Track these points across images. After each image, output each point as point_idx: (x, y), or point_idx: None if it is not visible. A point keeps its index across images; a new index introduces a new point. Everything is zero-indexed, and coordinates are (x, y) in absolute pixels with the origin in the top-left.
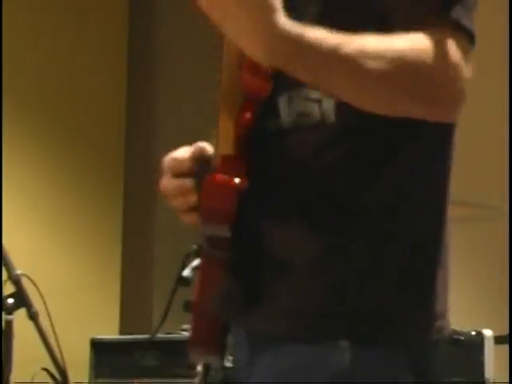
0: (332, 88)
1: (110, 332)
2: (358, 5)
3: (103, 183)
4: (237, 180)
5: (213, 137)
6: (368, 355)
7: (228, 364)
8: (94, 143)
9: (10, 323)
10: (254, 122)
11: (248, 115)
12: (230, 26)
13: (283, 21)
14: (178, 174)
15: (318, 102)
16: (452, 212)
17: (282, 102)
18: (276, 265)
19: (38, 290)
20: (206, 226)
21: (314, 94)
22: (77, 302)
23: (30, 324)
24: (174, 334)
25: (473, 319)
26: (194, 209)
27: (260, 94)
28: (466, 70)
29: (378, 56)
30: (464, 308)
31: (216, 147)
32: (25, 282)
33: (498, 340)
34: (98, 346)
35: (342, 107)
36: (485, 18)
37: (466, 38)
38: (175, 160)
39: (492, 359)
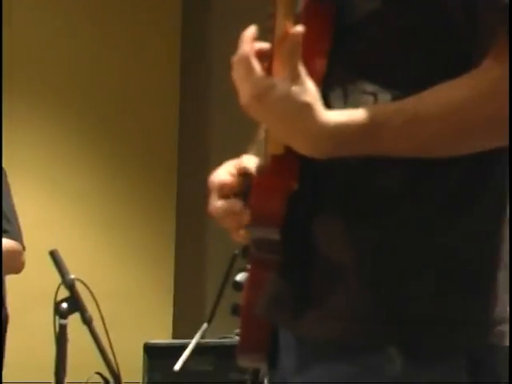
0: (393, 156)
1: (164, 336)
2: (418, 2)
3: (157, 189)
4: (286, 182)
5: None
6: (420, 362)
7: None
8: (147, 149)
9: (64, 327)
10: None
11: None
12: (275, 129)
13: (320, 119)
14: (226, 195)
15: (374, 95)
16: None
17: (336, 96)
18: (327, 267)
19: (91, 294)
20: (254, 228)
21: (370, 88)
22: (130, 306)
23: (84, 328)
24: (228, 338)
25: None
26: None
27: None
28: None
29: (434, 120)
30: None
31: (266, 147)
32: (79, 287)
33: None
34: (151, 351)
35: (397, 100)
36: None
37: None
38: (221, 181)
39: None
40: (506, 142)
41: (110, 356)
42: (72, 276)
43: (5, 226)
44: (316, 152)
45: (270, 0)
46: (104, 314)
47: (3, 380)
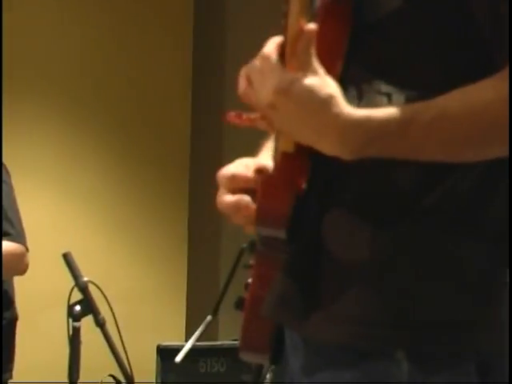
0: (419, 158)
1: (177, 339)
2: (442, 1)
3: (169, 189)
4: (293, 181)
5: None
6: (429, 368)
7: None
8: (160, 149)
9: (77, 330)
10: None
11: None
12: (302, 134)
13: (346, 110)
14: (235, 190)
15: (388, 95)
16: None
17: (351, 96)
18: (336, 269)
19: (104, 297)
20: (260, 227)
21: (385, 88)
22: (143, 309)
23: (97, 331)
24: None
25: None
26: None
27: None
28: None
29: (460, 120)
30: None
31: (276, 144)
32: (92, 289)
33: None
34: (164, 353)
35: (411, 101)
36: None
37: None
38: (231, 175)
39: None
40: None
41: (123, 358)
42: (85, 278)
43: (7, 228)
44: (345, 146)
45: (282, 0)
46: (117, 316)
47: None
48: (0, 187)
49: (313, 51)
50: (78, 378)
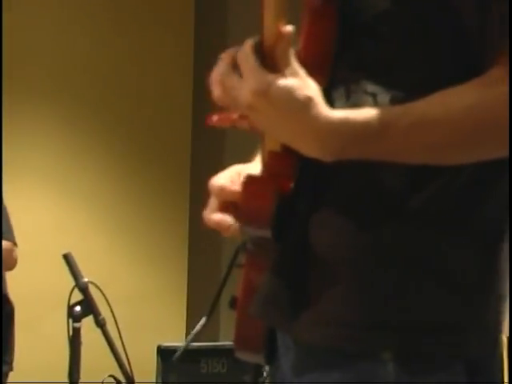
0: (399, 160)
1: (177, 339)
2: (428, 3)
3: (170, 191)
4: (277, 181)
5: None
6: (417, 370)
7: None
8: (160, 150)
9: (77, 331)
10: None
11: None
12: (281, 135)
13: (324, 113)
14: (224, 202)
15: (373, 95)
16: None
17: (338, 95)
18: (323, 269)
19: (105, 297)
20: (245, 226)
21: (371, 88)
22: (144, 309)
23: (98, 331)
24: None
25: None
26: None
27: None
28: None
29: (439, 125)
30: None
31: (263, 143)
32: (92, 290)
33: None
34: (164, 354)
35: (396, 102)
36: None
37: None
38: (219, 188)
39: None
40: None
41: (124, 359)
42: (85, 279)
43: None
44: (324, 149)
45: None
46: (117, 317)
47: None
48: (0, 188)
49: (291, 53)
50: (78, 378)
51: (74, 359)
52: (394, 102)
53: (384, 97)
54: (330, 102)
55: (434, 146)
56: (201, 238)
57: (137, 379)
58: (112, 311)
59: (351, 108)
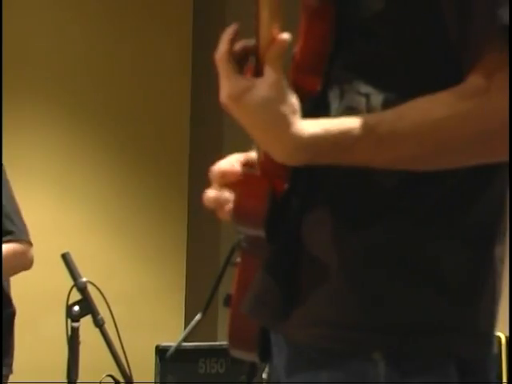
0: (371, 167)
1: (175, 339)
2: (420, 6)
3: (169, 191)
4: (271, 181)
5: None
6: (407, 370)
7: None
8: (159, 150)
9: (76, 330)
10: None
11: None
12: (251, 131)
13: (297, 128)
14: (226, 186)
15: (367, 96)
16: None
17: (333, 96)
18: (314, 269)
19: (103, 297)
20: (237, 225)
21: (364, 89)
22: (142, 309)
23: (96, 331)
24: None
25: None
26: None
27: (311, 91)
28: (505, 93)
29: (410, 137)
30: None
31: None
32: (91, 290)
33: None
34: (163, 353)
35: (389, 103)
36: None
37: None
38: (221, 172)
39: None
40: (489, 160)
41: (122, 358)
42: (84, 279)
43: (8, 226)
44: (290, 161)
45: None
46: (116, 317)
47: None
48: (0, 188)
49: (281, 61)
50: (76, 378)
51: (73, 359)
52: (387, 103)
53: (377, 97)
54: (326, 102)
55: (401, 158)
56: (199, 238)
57: (135, 379)
58: (110, 311)
59: (345, 109)
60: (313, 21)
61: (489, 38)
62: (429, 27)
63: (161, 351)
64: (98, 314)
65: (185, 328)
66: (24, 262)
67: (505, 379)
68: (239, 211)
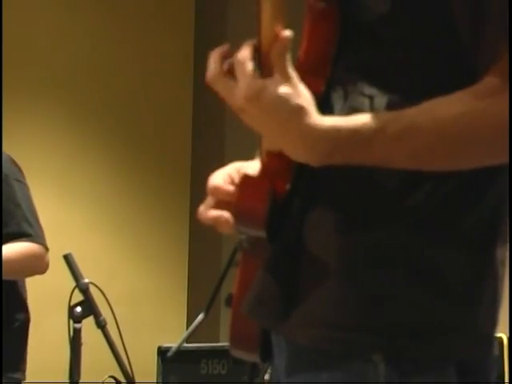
0: (387, 166)
1: (177, 340)
2: (429, 8)
3: (170, 192)
4: (272, 182)
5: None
6: (407, 371)
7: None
8: (161, 151)
9: (78, 331)
10: None
11: None
12: (270, 139)
13: (313, 122)
14: (220, 201)
15: (371, 98)
16: None
17: (337, 97)
18: (315, 269)
19: (105, 298)
20: (238, 226)
21: (368, 90)
22: (144, 310)
23: (98, 332)
24: None
25: None
26: None
27: (314, 92)
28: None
29: (426, 134)
30: None
31: (261, 143)
32: (93, 291)
33: None
34: (165, 354)
35: (393, 105)
36: None
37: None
38: (214, 187)
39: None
40: (502, 160)
41: (124, 359)
42: (86, 280)
43: (26, 228)
44: (311, 155)
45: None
46: (118, 318)
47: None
48: (0, 187)
49: (287, 58)
50: (78, 379)
51: (75, 360)
52: (391, 105)
53: (381, 99)
54: (329, 103)
55: (420, 153)
56: (201, 239)
57: (137, 380)
58: (113, 312)
59: (349, 110)
60: (317, 22)
61: (503, 38)
62: (436, 29)
63: (163, 352)
64: (100, 315)
65: (187, 329)
66: (40, 265)
67: (507, 380)
68: (240, 212)
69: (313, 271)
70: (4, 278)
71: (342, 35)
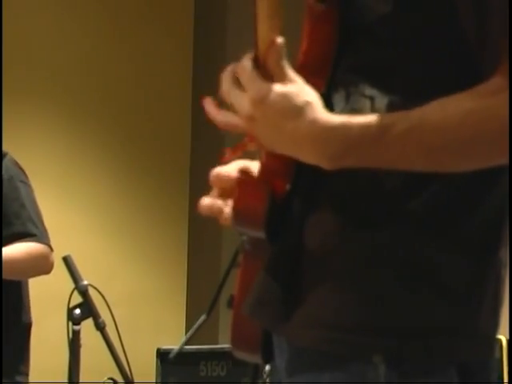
0: (398, 167)
1: (176, 342)
2: (430, 8)
3: (170, 194)
4: (271, 182)
5: None
6: (408, 374)
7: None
8: (160, 153)
9: (77, 333)
10: None
11: None
12: (281, 145)
13: (322, 117)
14: (223, 190)
15: (371, 99)
16: None
17: (339, 98)
18: (315, 270)
19: (104, 300)
20: (237, 227)
21: (369, 91)
22: (143, 312)
23: (97, 334)
24: None
25: None
26: None
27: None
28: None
29: (437, 132)
30: None
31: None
32: (92, 293)
33: None
34: (164, 356)
35: (393, 106)
36: None
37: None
38: (215, 174)
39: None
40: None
41: (123, 361)
42: (85, 282)
43: (31, 228)
44: (321, 155)
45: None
46: (117, 320)
47: None
48: (0, 186)
49: (285, 62)
50: (77, 381)
51: (74, 362)
52: (392, 106)
53: (382, 100)
54: (330, 104)
55: (430, 151)
56: (200, 240)
57: (136, 381)
58: (112, 314)
59: (350, 112)
60: (317, 23)
61: (503, 38)
62: (438, 29)
63: (162, 354)
64: (99, 317)
65: (186, 331)
66: (45, 264)
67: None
68: (239, 212)
69: (313, 272)
70: (10, 277)
71: (344, 36)
